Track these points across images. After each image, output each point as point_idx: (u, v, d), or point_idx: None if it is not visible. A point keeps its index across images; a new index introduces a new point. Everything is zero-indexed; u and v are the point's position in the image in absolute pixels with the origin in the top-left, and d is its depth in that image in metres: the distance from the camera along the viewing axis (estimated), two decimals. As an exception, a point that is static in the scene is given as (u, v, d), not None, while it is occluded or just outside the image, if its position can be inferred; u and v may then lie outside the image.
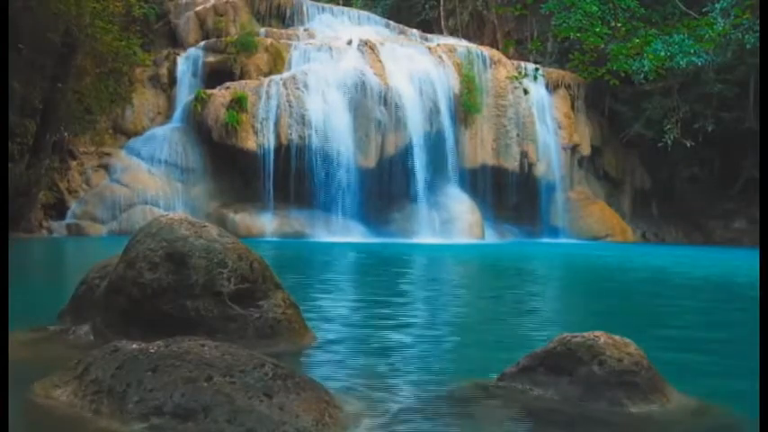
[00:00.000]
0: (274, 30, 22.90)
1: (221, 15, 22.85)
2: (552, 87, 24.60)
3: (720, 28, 14.90)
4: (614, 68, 12.43)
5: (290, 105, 20.10)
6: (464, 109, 22.59)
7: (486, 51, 24.00)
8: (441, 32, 27.94)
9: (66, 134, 17.63)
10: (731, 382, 3.53)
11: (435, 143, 21.73)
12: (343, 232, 19.74)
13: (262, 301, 3.76)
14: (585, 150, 25.47)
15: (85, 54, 16.79)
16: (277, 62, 21.48)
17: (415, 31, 25.96)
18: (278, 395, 2.44)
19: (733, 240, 24.09)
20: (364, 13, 26.42)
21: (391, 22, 26.02)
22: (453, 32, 28.40)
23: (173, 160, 20.00)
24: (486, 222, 22.04)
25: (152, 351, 2.58)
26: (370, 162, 20.76)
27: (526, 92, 19.97)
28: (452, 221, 21.03)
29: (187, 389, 2.40)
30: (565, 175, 24.46)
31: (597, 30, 11.54)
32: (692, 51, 19.76)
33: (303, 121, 20.05)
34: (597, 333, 2.91)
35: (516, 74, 18.25)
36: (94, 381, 2.55)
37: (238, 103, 19.82)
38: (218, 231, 3.82)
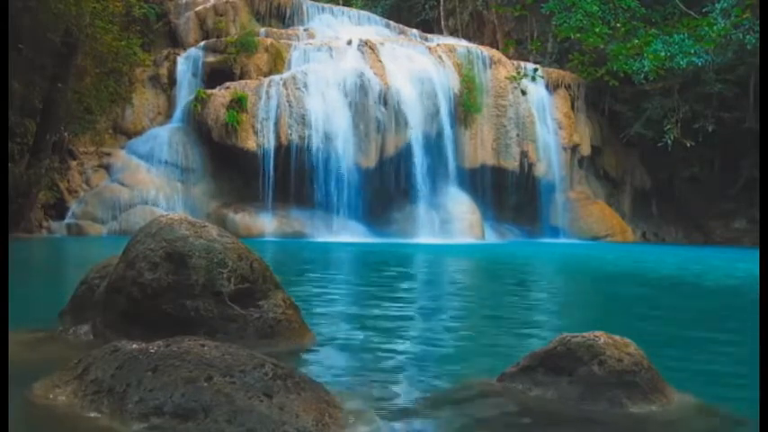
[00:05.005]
0: (274, 30, 22.91)
1: (221, 15, 22.86)
2: (552, 87, 24.59)
3: (721, 28, 14.90)
4: (614, 68, 12.44)
5: (290, 105, 20.10)
6: (464, 109, 22.59)
7: (486, 51, 23.99)
8: (441, 32, 27.95)
9: (66, 134, 17.62)
10: (731, 382, 3.53)
11: (435, 143, 21.72)
12: (343, 232, 19.73)
13: (262, 301, 3.76)
14: (585, 150, 25.46)
15: (85, 54, 16.79)
16: (277, 62, 21.48)
17: (415, 31, 25.97)
18: (278, 395, 2.44)
19: (733, 240, 24.08)
20: (364, 13, 26.43)
21: (391, 22, 26.03)
22: (453, 32, 28.41)
23: (173, 160, 20.00)
24: (486, 222, 22.04)
25: (152, 351, 2.58)
26: (370, 162, 20.76)
27: (524, 92, 19.94)
28: (452, 221, 21.03)
29: (187, 389, 2.40)
30: (565, 175, 24.46)
31: (597, 30, 11.53)
32: (692, 51, 19.77)
33: (303, 121, 20.05)
34: (597, 333, 2.91)
35: (516, 74, 18.25)
36: (94, 381, 2.55)
37: (238, 103, 19.82)
38: (218, 231, 3.82)
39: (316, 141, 19.99)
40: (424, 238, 20.01)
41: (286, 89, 20.25)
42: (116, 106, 19.79)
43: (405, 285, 8.62)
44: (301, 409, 2.42)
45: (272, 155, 19.85)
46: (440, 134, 21.83)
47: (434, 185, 21.47)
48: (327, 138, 20.12)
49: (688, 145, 23.07)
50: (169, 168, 19.89)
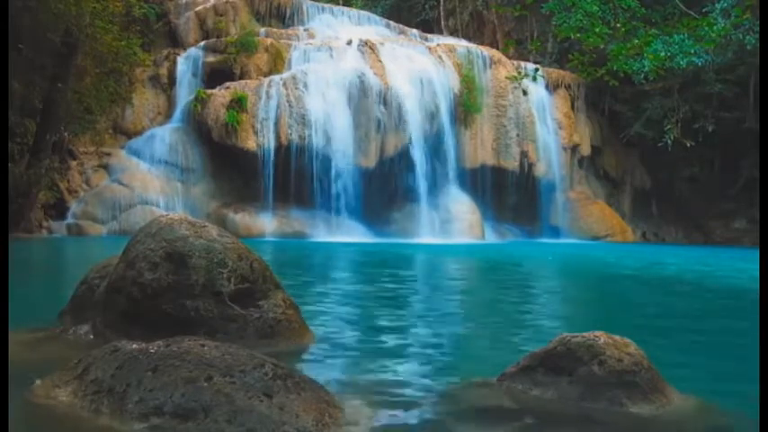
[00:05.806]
0: (274, 30, 22.91)
1: (221, 15, 22.86)
2: (552, 87, 24.60)
3: (721, 28, 14.90)
4: (614, 68, 12.43)
5: (290, 105, 20.10)
6: (464, 109, 22.59)
7: (486, 51, 24.00)
8: (441, 32, 27.96)
9: (66, 134, 17.62)
10: (731, 382, 3.53)
11: (435, 143, 21.73)
12: (343, 232, 19.73)
13: (262, 301, 3.76)
14: (585, 150, 25.47)
15: (85, 54, 16.79)
16: (277, 62, 21.48)
17: (415, 31, 25.97)
18: (278, 395, 2.44)
19: (733, 240, 24.09)
20: (364, 13, 26.43)
21: (391, 22, 26.03)
22: (453, 32, 28.41)
23: (173, 160, 20.00)
24: (486, 222, 22.04)
25: (152, 351, 2.58)
26: (370, 162, 20.76)
27: (525, 93, 19.92)
28: (452, 221, 21.03)
29: (187, 389, 2.40)
30: (565, 175, 24.46)
31: (597, 30, 11.53)
32: (692, 51, 19.76)
33: (303, 121, 20.05)
34: (597, 333, 2.91)
35: (516, 74, 18.24)
36: (94, 381, 2.55)
37: (238, 103, 19.82)
38: (218, 231, 3.82)
39: (316, 141, 20.00)
40: (424, 238, 20.02)
41: (286, 89, 20.26)
42: (116, 106, 19.81)
43: (405, 285, 8.61)
44: (301, 409, 2.42)
45: (272, 155, 19.85)
46: (440, 134, 21.83)
47: (434, 185, 21.47)
48: (327, 138, 20.12)
49: (688, 145, 23.07)
50: (169, 168, 19.89)
